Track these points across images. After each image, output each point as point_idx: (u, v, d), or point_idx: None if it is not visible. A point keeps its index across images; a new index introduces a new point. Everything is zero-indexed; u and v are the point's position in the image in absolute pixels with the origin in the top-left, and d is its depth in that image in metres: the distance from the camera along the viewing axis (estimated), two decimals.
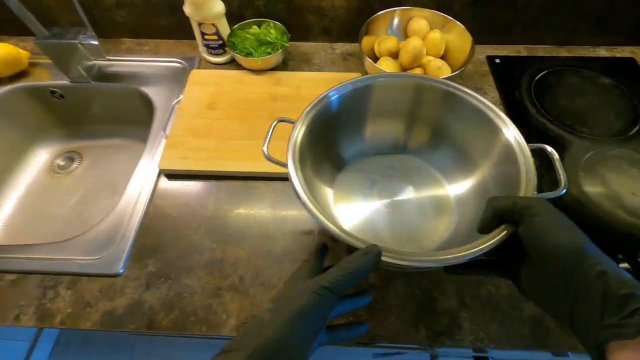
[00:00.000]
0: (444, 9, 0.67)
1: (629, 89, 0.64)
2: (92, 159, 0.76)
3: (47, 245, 0.49)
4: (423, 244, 0.43)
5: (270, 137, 0.41)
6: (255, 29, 0.67)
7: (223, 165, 0.54)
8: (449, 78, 0.52)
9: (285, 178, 0.54)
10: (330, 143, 0.46)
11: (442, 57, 0.64)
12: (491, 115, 0.40)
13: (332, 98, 0.43)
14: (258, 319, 0.27)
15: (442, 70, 0.59)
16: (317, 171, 0.44)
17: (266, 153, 0.40)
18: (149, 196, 0.53)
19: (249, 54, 0.63)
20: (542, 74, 0.67)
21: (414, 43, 0.59)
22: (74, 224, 0.66)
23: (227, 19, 0.67)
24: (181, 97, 0.62)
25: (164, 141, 0.57)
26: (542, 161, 0.40)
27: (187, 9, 0.61)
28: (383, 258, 0.29)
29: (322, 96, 0.42)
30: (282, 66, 0.70)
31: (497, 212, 0.30)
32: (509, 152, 0.38)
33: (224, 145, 0.56)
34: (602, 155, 0.56)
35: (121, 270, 0.46)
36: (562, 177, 0.36)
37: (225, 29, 0.65)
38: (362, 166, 0.50)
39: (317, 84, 0.64)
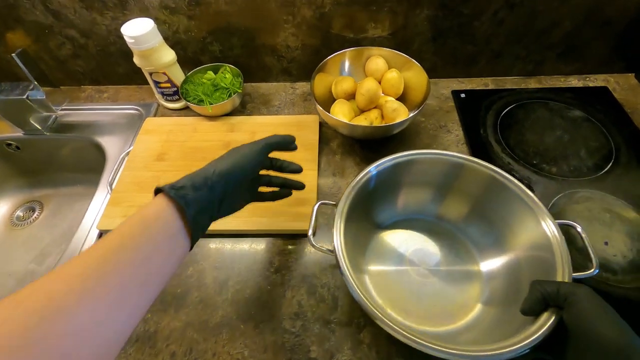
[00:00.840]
0: (403, 46, 0.65)
1: (601, 122, 0.61)
2: (53, 208, 0.74)
3: None
4: (453, 317, 0.42)
5: (313, 221, 0.41)
6: (210, 74, 0.66)
7: None
8: (407, 120, 0.53)
9: (229, 235, 0.51)
10: (367, 212, 0.46)
11: (402, 96, 0.62)
12: (533, 206, 0.40)
13: (372, 174, 0.43)
14: (218, 157, 0.37)
15: (398, 113, 0.56)
16: (355, 241, 0.43)
17: (312, 241, 0.39)
18: None
19: (200, 102, 0.62)
20: (509, 108, 0.64)
21: (368, 85, 0.57)
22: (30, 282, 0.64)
23: (183, 64, 0.66)
24: (131, 147, 0.60)
25: (109, 197, 0.55)
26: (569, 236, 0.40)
27: (136, 61, 0.60)
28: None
29: (362, 174, 0.43)
30: (240, 109, 0.68)
31: (543, 295, 0.31)
32: (545, 243, 0.38)
33: None
34: (572, 198, 0.51)
35: None
36: (593, 256, 0.37)
37: (178, 76, 0.64)
38: (396, 230, 0.50)
39: (272, 129, 0.62)
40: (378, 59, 0.62)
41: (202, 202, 0.31)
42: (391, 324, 0.31)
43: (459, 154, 0.45)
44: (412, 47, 0.65)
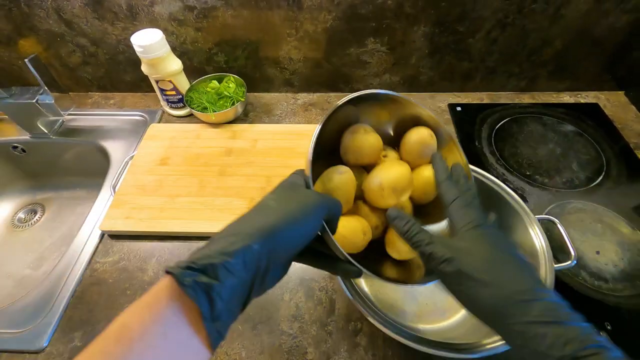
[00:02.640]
0: (401, 61, 0.67)
1: (592, 137, 0.63)
2: (54, 211, 0.75)
3: None
4: (445, 314, 0.43)
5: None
6: (215, 83, 0.68)
7: (166, 226, 0.52)
8: None
9: None
10: None
11: None
12: (518, 209, 0.41)
13: None
14: (263, 205, 0.25)
15: None
16: None
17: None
18: (88, 260, 0.51)
19: (204, 109, 0.64)
20: (503, 121, 0.66)
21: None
22: (27, 286, 0.64)
23: (189, 73, 0.68)
24: (135, 152, 0.62)
25: (112, 199, 0.56)
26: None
27: (144, 68, 0.62)
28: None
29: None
30: (243, 118, 0.70)
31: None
32: (529, 242, 0.39)
33: (170, 203, 0.55)
34: (564, 209, 0.53)
35: (45, 344, 0.43)
36: (571, 249, 0.38)
37: (184, 84, 0.66)
38: None
39: (273, 137, 0.64)
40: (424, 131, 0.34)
41: (230, 290, 0.21)
42: (383, 321, 0.32)
43: None
44: (410, 62, 0.68)
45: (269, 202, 0.25)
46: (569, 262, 0.36)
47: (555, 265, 0.36)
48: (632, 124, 0.66)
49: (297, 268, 0.48)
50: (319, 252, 0.29)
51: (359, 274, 0.28)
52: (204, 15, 0.62)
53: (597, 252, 0.48)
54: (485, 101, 0.72)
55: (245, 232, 0.22)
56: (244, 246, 0.21)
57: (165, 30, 0.62)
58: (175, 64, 0.63)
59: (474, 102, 0.71)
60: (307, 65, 0.69)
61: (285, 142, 0.63)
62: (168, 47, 0.61)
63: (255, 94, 0.74)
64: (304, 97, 0.74)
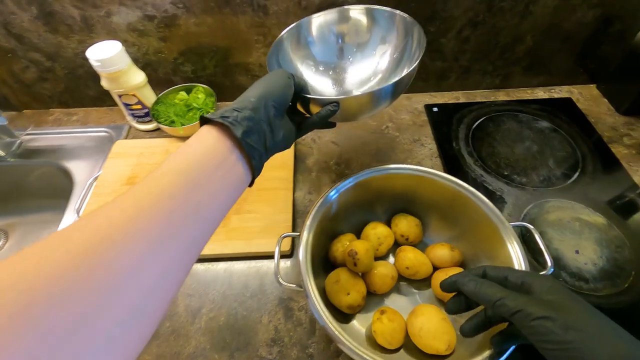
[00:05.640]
0: None
1: (567, 132, 0.63)
2: (19, 237, 0.70)
3: None
4: None
5: (278, 260, 0.39)
6: (183, 94, 0.65)
7: None
8: None
9: (203, 260, 0.50)
10: (332, 237, 0.46)
11: None
12: (500, 227, 0.40)
13: (333, 197, 0.43)
14: (251, 86, 0.34)
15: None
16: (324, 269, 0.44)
17: (280, 280, 0.38)
18: None
19: (172, 122, 0.61)
20: (480, 120, 0.66)
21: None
22: None
23: (155, 85, 0.65)
24: (100, 172, 0.59)
25: None
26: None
27: (104, 83, 0.59)
28: None
29: (321, 200, 0.42)
30: None
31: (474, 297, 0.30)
32: (508, 263, 0.38)
33: None
34: (543, 208, 0.53)
35: None
36: (547, 256, 0.37)
37: (149, 97, 0.63)
38: None
39: None
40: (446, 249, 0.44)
41: (248, 121, 0.28)
42: (353, 347, 0.31)
43: (419, 167, 0.45)
44: None
45: (253, 84, 0.34)
46: (545, 271, 0.36)
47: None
48: (605, 117, 0.66)
49: (274, 288, 0.47)
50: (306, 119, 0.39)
51: (337, 106, 0.38)
52: (165, 25, 0.59)
53: (577, 252, 0.48)
54: (461, 100, 0.71)
55: (242, 99, 0.31)
56: (243, 99, 0.31)
57: (125, 42, 0.59)
58: (138, 77, 0.60)
59: (450, 101, 0.71)
60: None
61: None
62: (129, 59, 0.58)
63: (227, 102, 0.72)
64: None
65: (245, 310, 0.45)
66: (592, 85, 0.72)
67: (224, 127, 0.27)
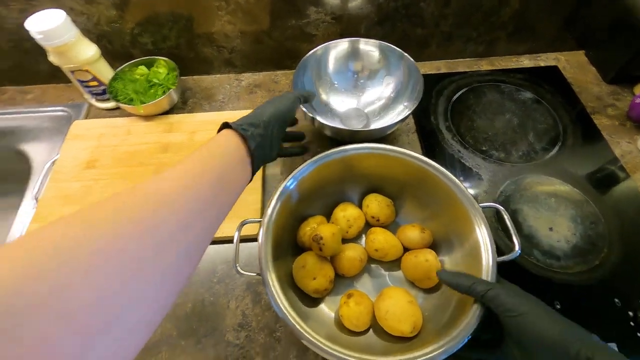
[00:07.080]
0: (350, 31, 0.61)
1: (550, 103, 0.60)
2: None
3: None
4: None
5: (237, 248, 0.38)
6: (143, 69, 0.60)
7: None
8: None
9: None
10: (296, 222, 0.45)
11: None
12: (469, 208, 0.38)
13: (291, 187, 0.41)
14: (266, 103, 0.39)
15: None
16: (284, 256, 0.41)
17: (238, 269, 0.37)
18: None
19: (130, 101, 0.56)
20: (460, 92, 0.62)
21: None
22: None
23: (112, 59, 0.60)
24: (58, 155, 0.55)
25: (35, 211, 0.50)
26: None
27: (51, 58, 0.54)
28: None
29: (280, 189, 0.40)
30: (182, 106, 0.63)
31: (454, 287, 0.34)
32: (476, 246, 0.37)
33: None
34: (520, 185, 0.51)
35: None
36: (515, 238, 0.36)
37: (105, 73, 0.58)
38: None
39: (214, 127, 0.57)
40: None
41: (260, 137, 0.34)
42: (310, 338, 0.30)
43: (379, 145, 0.43)
44: (360, 31, 0.62)
45: (268, 101, 0.40)
46: (512, 253, 0.34)
47: (499, 258, 0.34)
48: (591, 86, 0.63)
49: (242, 278, 0.46)
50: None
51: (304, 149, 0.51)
52: None
53: (550, 229, 0.47)
54: (443, 70, 0.67)
55: (257, 113, 0.37)
56: (259, 117, 0.36)
57: (71, 10, 0.54)
58: (89, 50, 0.55)
59: (431, 72, 0.67)
60: (246, 42, 0.62)
61: None
62: (77, 30, 0.52)
63: (193, 77, 0.67)
64: (248, 78, 0.67)
65: (212, 295, 0.44)
66: (580, 51, 0.69)
67: (242, 136, 0.33)
